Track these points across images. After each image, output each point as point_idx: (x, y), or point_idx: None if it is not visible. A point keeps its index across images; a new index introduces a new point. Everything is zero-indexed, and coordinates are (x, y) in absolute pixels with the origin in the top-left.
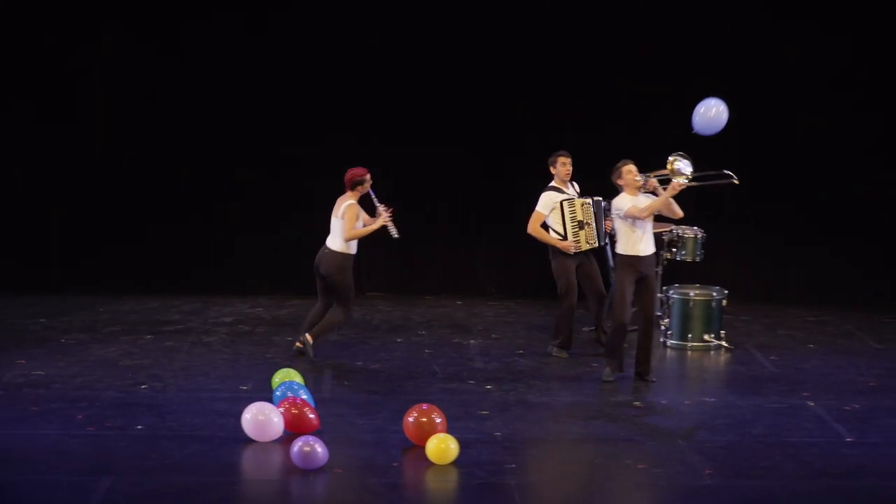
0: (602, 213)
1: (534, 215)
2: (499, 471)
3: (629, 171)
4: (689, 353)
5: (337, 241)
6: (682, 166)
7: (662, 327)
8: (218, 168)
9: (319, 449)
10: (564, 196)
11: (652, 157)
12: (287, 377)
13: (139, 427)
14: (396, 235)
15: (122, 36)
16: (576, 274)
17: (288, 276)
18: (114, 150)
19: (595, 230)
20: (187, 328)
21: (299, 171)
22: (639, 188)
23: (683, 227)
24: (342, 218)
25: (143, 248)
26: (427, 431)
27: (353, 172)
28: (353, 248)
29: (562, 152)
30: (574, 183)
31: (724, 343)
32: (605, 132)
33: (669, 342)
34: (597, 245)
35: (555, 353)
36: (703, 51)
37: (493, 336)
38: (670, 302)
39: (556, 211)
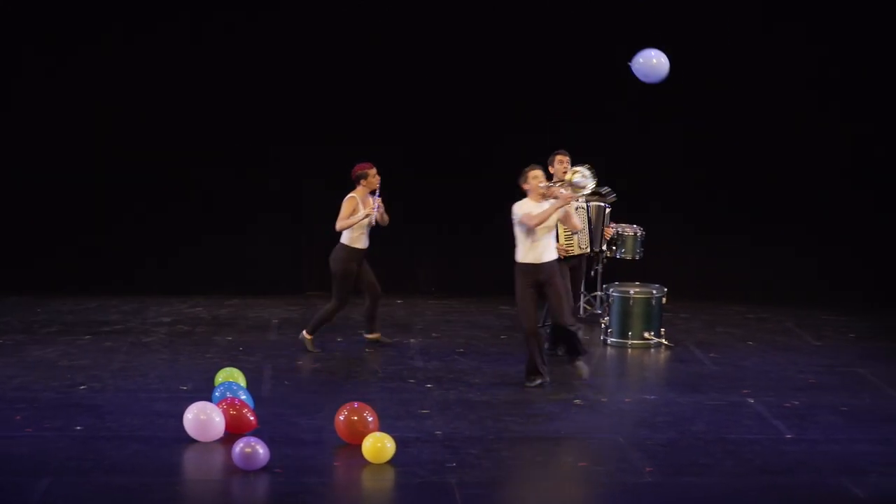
0: (601, 219)
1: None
2: (439, 470)
3: (534, 177)
4: (630, 350)
5: (344, 234)
6: (579, 180)
7: (602, 325)
8: (157, 169)
9: (261, 450)
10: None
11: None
12: (230, 377)
13: (78, 428)
14: (373, 223)
15: (71, 36)
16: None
17: (228, 275)
18: (51, 150)
19: (588, 235)
20: (126, 328)
21: (242, 172)
22: (542, 195)
23: (623, 225)
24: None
25: (80, 248)
26: (359, 430)
27: (357, 167)
28: (358, 243)
29: (560, 151)
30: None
31: (663, 341)
32: (559, 132)
33: (609, 340)
34: (588, 251)
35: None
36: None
37: (434, 335)
38: (610, 300)
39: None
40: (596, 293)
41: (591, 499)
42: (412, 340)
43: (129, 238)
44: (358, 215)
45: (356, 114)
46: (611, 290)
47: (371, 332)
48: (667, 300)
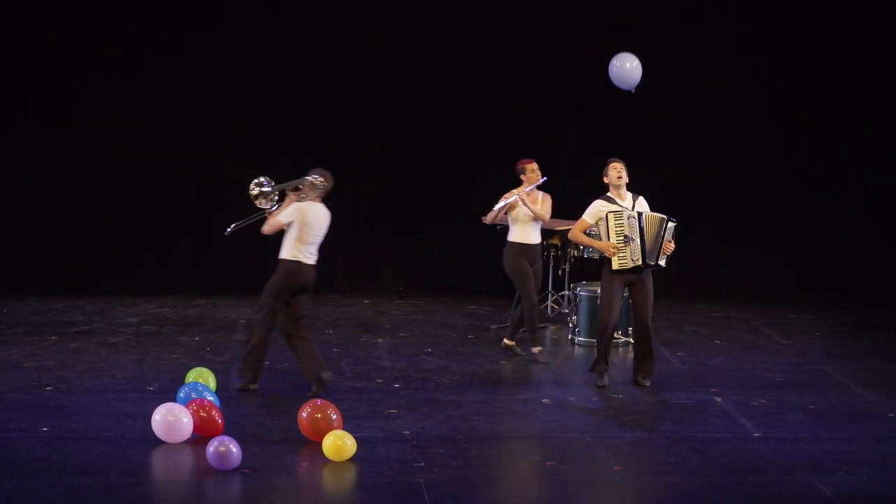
0: (660, 231)
1: (578, 222)
2: (407, 469)
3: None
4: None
5: (510, 231)
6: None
7: (570, 324)
8: (124, 173)
9: (234, 449)
10: (614, 207)
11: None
12: (200, 377)
13: (44, 429)
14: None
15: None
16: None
17: (195, 276)
18: (18, 152)
19: (640, 247)
20: (92, 329)
21: (207, 173)
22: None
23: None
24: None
25: (45, 249)
26: (322, 428)
27: (518, 163)
28: (521, 238)
29: (613, 158)
30: (641, 198)
31: (631, 340)
32: (515, 142)
33: (577, 339)
34: (640, 263)
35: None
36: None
37: (401, 335)
38: (578, 299)
39: (602, 221)
40: (564, 292)
41: (558, 498)
42: (380, 340)
43: (96, 239)
44: (497, 206)
45: (326, 115)
46: (578, 289)
47: (511, 338)
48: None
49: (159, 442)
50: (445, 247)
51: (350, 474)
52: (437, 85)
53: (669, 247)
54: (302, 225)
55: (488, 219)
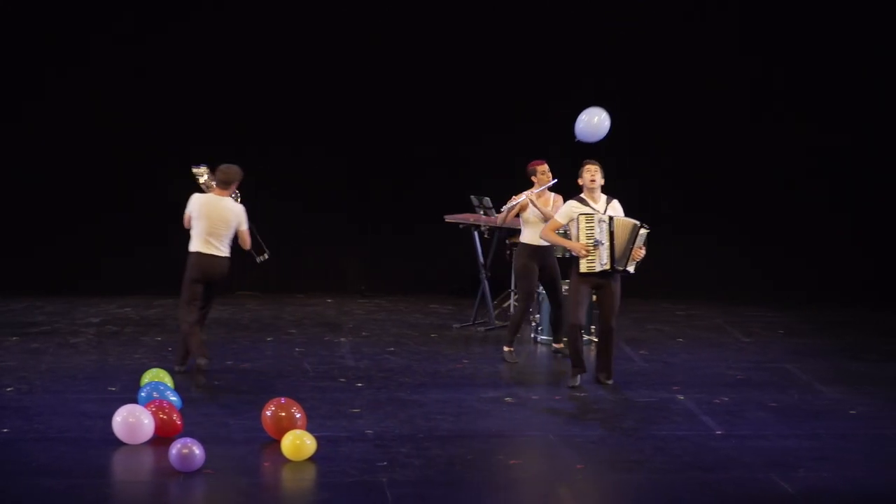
0: (630, 238)
1: (550, 222)
2: (370, 469)
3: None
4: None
5: (521, 232)
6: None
7: (533, 323)
8: (85, 173)
9: (197, 451)
10: (586, 210)
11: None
12: (156, 377)
13: (5, 430)
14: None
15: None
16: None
17: (156, 276)
18: None
19: (609, 251)
20: (53, 329)
21: (170, 172)
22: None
23: None
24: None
25: (5, 249)
26: (286, 426)
27: (529, 164)
28: (530, 239)
29: (588, 160)
30: (615, 201)
31: (594, 338)
32: (481, 142)
33: (540, 338)
34: (608, 268)
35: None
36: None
37: (364, 334)
38: (540, 298)
39: (574, 223)
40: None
41: (522, 497)
42: (342, 339)
43: (57, 239)
44: (506, 206)
45: (290, 116)
46: (541, 287)
47: (558, 342)
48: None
49: (121, 443)
50: (408, 246)
51: (313, 474)
52: (404, 85)
53: (639, 253)
54: (199, 216)
55: (499, 220)
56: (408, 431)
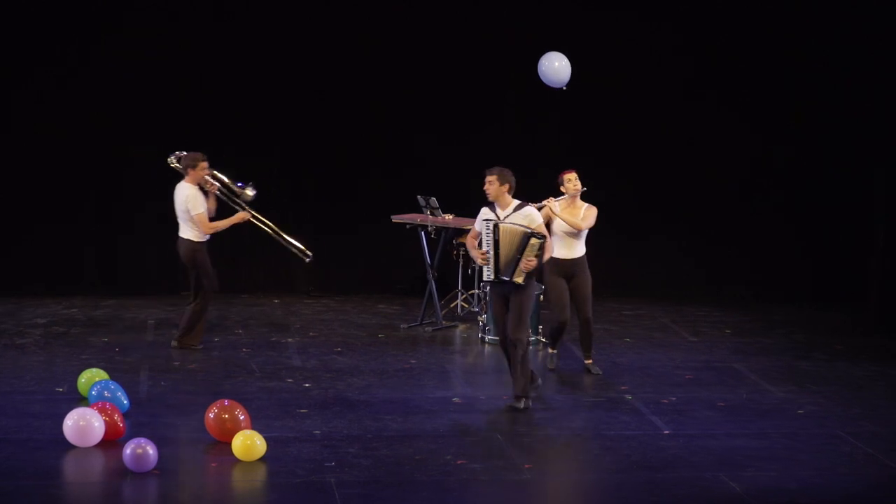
0: (518, 247)
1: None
2: (318, 469)
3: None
4: None
5: None
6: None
7: (480, 323)
8: (35, 170)
9: (151, 451)
10: (489, 216)
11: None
12: (97, 377)
13: None
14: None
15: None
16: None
17: (103, 276)
18: None
19: (493, 260)
20: (0, 330)
21: (119, 172)
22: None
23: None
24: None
25: None
26: (229, 428)
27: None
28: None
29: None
30: (526, 208)
31: (542, 338)
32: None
33: (487, 338)
34: (493, 277)
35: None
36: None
37: (311, 334)
38: (488, 298)
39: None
40: (473, 291)
41: (469, 497)
42: (290, 339)
43: (3, 240)
44: None
45: (232, 117)
46: (488, 288)
47: (587, 357)
48: (544, 298)
49: (69, 444)
50: (355, 246)
51: (261, 474)
52: (349, 84)
53: (529, 264)
54: None
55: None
56: (356, 431)
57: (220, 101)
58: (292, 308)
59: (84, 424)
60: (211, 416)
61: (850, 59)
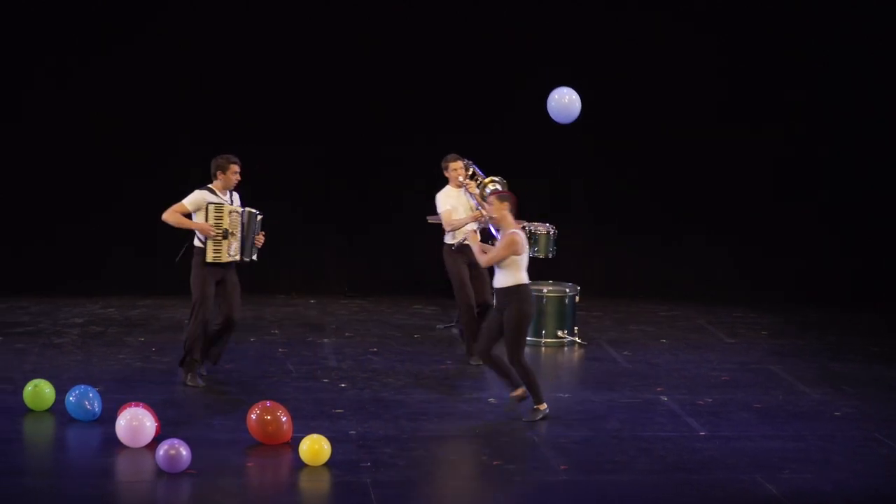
0: (253, 227)
1: (175, 205)
2: (354, 469)
3: (455, 169)
4: (543, 349)
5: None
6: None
7: None
8: (71, 173)
9: (184, 452)
10: (215, 199)
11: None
12: (37, 387)
13: None
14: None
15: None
16: (212, 287)
17: (140, 276)
18: None
19: (240, 243)
20: (37, 330)
21: (153, 173)
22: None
23: (536, 223)
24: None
25: None
26: (271, 430)
27: None
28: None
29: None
30: (235, 193)
31: (577, 339)
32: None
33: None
34: (239, 259)
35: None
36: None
37: (347, 334)
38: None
39: (202, 213)
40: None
41: (505, 497)
42: (325, 340)
43: (40, 240)
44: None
45: (269, 113)
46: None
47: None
48: (580, 299)
49: (108, 443)
50: (390, 246)
51: (296, 475)
52: (383, 82)
53: (260, 239)
54: None
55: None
56: (392, 432)
57: (262, 99)
58: (328, 308)
59: (136, 424)
60: (253, 417)
61: (888, 59)
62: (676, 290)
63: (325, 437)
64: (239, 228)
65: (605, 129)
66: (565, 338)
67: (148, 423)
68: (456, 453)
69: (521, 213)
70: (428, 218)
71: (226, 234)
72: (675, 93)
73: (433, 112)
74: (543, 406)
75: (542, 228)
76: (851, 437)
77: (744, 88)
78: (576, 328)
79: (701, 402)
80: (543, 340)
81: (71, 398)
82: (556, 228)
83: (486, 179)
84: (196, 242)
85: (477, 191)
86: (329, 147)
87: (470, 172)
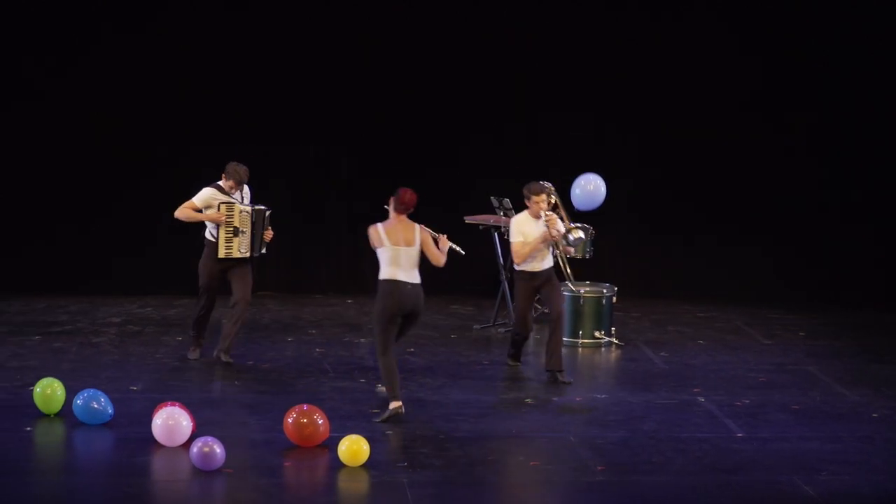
0: (262, 224)
1: (186, 202)
2: (391, 469)
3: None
4: (580, 350)
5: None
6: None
7: None
8: (104, 172)
9: (218, 450)
10: (225, 199)
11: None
12: (49, 387)
13: (27, 429)
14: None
15: None
16: (218, 278)
17: (177, 275)
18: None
19: (250, 240)
20: (76, 329)
21: (189, 173)
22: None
23: (574, 224)
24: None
25: (28, 249)
26: (308, 433)
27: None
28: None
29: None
30: (246, 187)
31: (614, 340)
32: (504, 143)
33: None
34: (248, 255)
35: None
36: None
37: None
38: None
39: (213, 210)
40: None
41: (542, 498)
42: (362, 340)
43: (78, 238)
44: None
45: (307, 114)
46: (561, 289)
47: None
48: (617, 299)
49: (140, 441)
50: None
51: (333, 475)
52: (415, 83)
53: (269, 234)
54: None
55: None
56: (428, 432)
57: (292, 99)
58: (365, 308)
59: (173, 424)
60: (289, 421)
61: None
62: (713, 291)
63: (362, 436)
64: (249, 226)
65: (641, 128)
66: (602, 338)
67: (184, 423)
68: (493, 453)
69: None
70: (466, 218)
71: (236, 232)
72: (710, 91)
73: (473, 110)
74: (397, 404)
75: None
76: (890, 439)
77: (777, 87)
78: (613, 329)
79: (738, 404)
80: (580, 341)
81: (79, 401)
82: (594, 229)
83: (572, 226)
84: (207, 236)
85: (558, 232)
86: (364, 146)
87: (553, 203)
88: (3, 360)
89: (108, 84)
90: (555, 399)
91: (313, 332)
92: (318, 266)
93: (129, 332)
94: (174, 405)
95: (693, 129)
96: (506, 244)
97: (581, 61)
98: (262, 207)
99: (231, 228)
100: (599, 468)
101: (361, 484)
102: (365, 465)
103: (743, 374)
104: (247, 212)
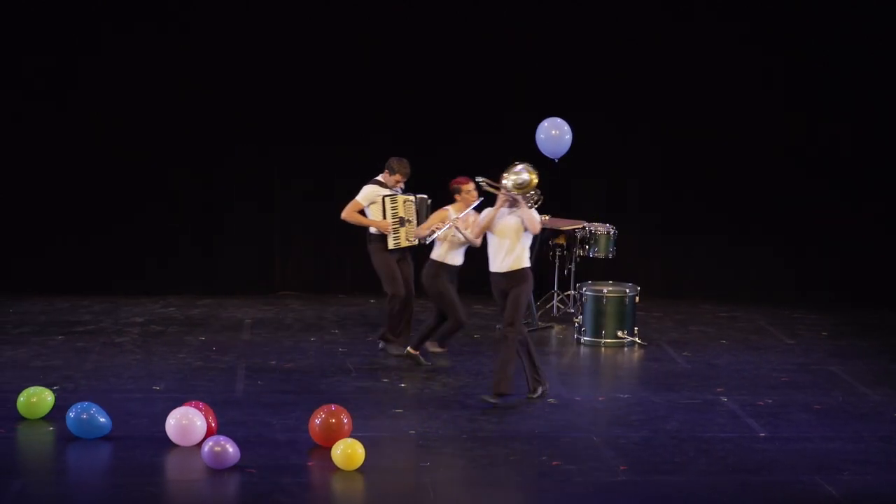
0: (425, 212)
1: (350, 203)
2: (414, 469)
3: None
4: (603, 349)
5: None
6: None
7: (576, 324)
8: (128, 171)
9: (230, 448)
10: (387, 191)
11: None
12: (35, 395)
13: (50, 428)
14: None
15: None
16: (397, 268)
17: (200, 275)
18: (21, 153)
19: (416, 228)
20: (98, 328)
21: (213, 172)
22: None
23: (596, 224)
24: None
25: (52, 249)
26: (334, 434)
27: (453, 181)
28: (447, 259)
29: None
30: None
31: (637, 339)
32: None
33: (583, 339)
34: (416, 244)
35: (391, 351)
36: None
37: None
38: (584, 299)
39: (377, 205)
40: (569, 292)
41: (564, 498)
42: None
43: (102, 238)
44: (431, 231)
45: (331, 113)
46: (584, 289)
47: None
48: (640, 299)
49: (167, 442)
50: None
51: (356, 474)
52: (444, 81)
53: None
54: None
55: (420, 234)
56: (451, 432)
57: (319, 99)
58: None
59: (186, 423)
60: (317, 421)
61: None
62: (736, 290)
63: (385, 436)
64: (414, 215)
65: (663, 128)
66: (625, 338)
67: (198, 422)
68: (515, 453)
69: (577, 214)
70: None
71: (402, 222)
72: (734, 94)
73: (492, 108)
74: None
75: (601, 229)
76: None
77: (802, 90)
78: (636, 328)
79: (761, 403)
80: (603, 341)
81: (71, 415)
82: (616, 229)
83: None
84: (372, 230)
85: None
86: (386, 145)
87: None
88: (27, 359)
89: (137, 85)
90: (577, 399)
91: (336, 331)
92: (342, 266)
93: (152, 332)
94: (189, 405)
95: (713, 129)
96: None
97: (600, 61)
98: (423, 196)
99: (397, 220)
100: (622, 468)
101: (384, 484)
102: (388, 466)
103: (765, 374)
104: (411, 201)
